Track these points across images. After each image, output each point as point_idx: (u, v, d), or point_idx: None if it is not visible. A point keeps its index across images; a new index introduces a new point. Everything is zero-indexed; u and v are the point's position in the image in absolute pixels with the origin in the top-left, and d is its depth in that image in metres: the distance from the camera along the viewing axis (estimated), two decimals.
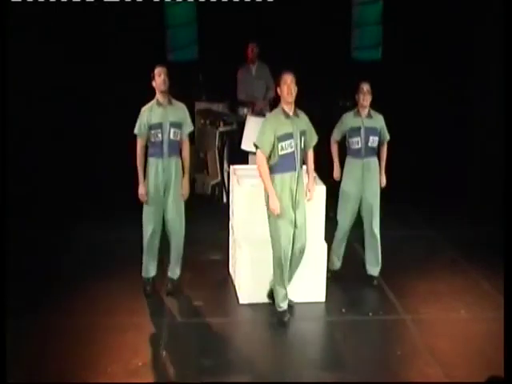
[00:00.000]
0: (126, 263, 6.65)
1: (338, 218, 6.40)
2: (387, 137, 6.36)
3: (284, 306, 5.71)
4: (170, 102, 5.96)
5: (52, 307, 5.85)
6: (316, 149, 5.86)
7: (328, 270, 6.26)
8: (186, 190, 6.04)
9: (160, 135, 5.89)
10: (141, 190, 5.97)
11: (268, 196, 5.49)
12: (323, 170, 6.30)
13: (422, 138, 9.44)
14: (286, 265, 5.61)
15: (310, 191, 5.74)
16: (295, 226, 5.61)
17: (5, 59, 5.58)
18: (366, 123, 6.21)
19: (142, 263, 6.18)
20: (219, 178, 8.84)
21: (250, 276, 5.99)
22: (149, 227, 6.05)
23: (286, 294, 5.70)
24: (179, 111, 5.99)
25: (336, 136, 6.36)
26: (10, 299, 5.21)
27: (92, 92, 9.26)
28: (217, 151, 8.76)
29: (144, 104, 5.97)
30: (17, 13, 7.34)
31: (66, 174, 8.75)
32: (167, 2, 9.98)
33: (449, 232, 7.83)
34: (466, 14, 8.84)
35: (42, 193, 8.27)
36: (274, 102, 6.75)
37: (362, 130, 6.19)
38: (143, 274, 6.18)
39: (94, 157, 9.22)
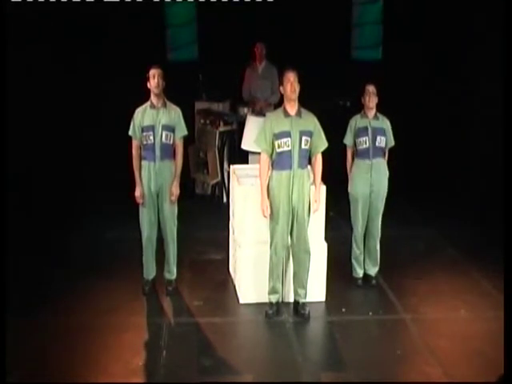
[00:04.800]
0: (126, 263, 6.67)
1: (353, 224, 6.40)
2: (392, 142, 6.33)
3: (272, 299, 5.82)
4: (164, 105, 5.93)
5: (52, 307, 5.85)
6: None
7: (354, 280, 6.44)
8: (175, 194, 5.98)
9: (152, 138, 5.87)
10: (137, 192, 5.97)
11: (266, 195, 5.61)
12: (324, 170, 6.29)
13: (422, 137, 9.44)
14: (276, 260, 5.72)
15: (316, 201, 5.73)
16: (293, 224, 5.64)
17: (4, 60, 5.58)
18: (373, 123, 6.20)
19: (142, 264, 6.19)
20: (219, 177, 8.84)
21: (250, 276, 6.00)
22: (145, 229, 6.07)
23: (275, 288, 5.80)
24: (172, 114, 5.93)
25: (348, 141, 6.31)
26: (10, 299, 5.21)
27: (92, 92, 9.25)
28: (217, 151, 8.76)
29: (142, 104, 5.98)
30: (16, 13, 7.34)
31: (65, 173, 8.75)
32: (167, 1, 9.99)
33: (449, 232, 7.82)
34: (466, 14, 8.83)
35: (42, 192, 8.26)
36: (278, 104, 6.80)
37: (370, 130, 6.18)
38: (144, 276, 6.20)
39: (94, 156, 9.22)
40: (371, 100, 6.15)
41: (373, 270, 6.49)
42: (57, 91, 8.82)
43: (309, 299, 5.91)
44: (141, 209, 6.04)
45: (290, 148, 5.52)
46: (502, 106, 5.86)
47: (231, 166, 6.93)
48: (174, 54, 10.38)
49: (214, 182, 8.92)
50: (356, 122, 6.26)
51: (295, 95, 5.54)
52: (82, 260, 6.91)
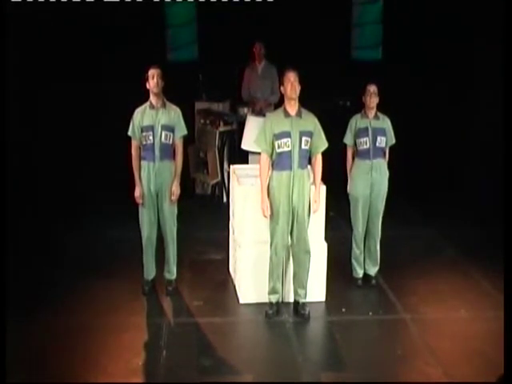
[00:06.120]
0: (126, 263, 6.67)
1: (353, 224, 6.39)
2: (393, 140, 6.33)
3: (272, 299, 5.82)
4: (163, 105, 5.92)
5: (52, 307, 5.85)
6: None
7: (354, 280, 6.44)
8: (175, 193, 5.97)
9: (151, 138, 5.86)
10: (136, 193, 5.96)
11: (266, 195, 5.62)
12: (324, 170, 6.29)
13: (422, 137, 9.43)
14: (276, 260, 5.72)
15: (315, 202, 5.73)
16: (293, 224, 5.64)
17: (4, 60, 5.59)
18: (373, 124, 6.20)
19: (142, 264, 6.19)
20: (219, 177, 8.84)
21: (250, 276, 6.00)
22: (144, 229, 6.06)
23: (275, 288, 5.80)
24: (172, 114, 5.92)
25: (348, 141, 6.30)
26: (10, 299, 5.21)
27: (91, 92, 9.25)
28: (217, 151, 8.76)
29: (142, 104, 5.97)
30: (16, 13, 7.34)
31: (65, 173, 8.75)
32: (167, 1, 9.99)
33: (449, 232, 7.82)
34: (466, 14, 8.83)
35: (42, 193, 8.27)
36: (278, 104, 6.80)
37: (370, 130, 6.17)
38: (144, 276, 6.20)
39: (94, 156, 9.22)
40: (372, 100, 6.15)
41: (373, 270, 6.49)
42: (56, 91, 8.82)
43: (309, 299, 5.91)
44: (140, 209, 6.04)
45: (290, 148, 5.52)
46: (502, 105, 5.86)
47: (231, 166, 6.93)
48: (174, 54, 10.37)
49: (214, 182, 8.91)
50: (356, 121, 6.26)
51: (295, 95, 5.54)
52: (82, 260, 6.91)
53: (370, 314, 5.93)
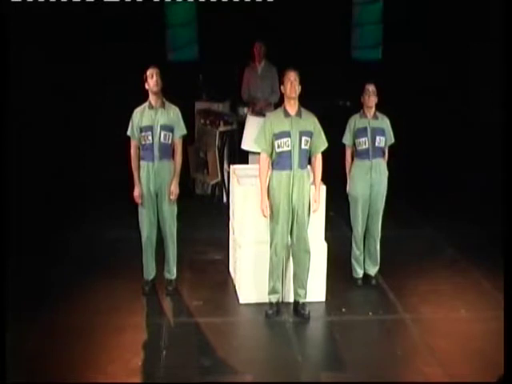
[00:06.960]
0: (126, 263, 6.66)
1: (352, 224, 6.39)
2: (392, 140, 6.33)
3: (272, 299, 5.82)
4: (162, 105, 5.92)
5: (52, 307, 5.85)
6: None
7: (354, 280, 6.44)
8: (174, 192, 5.97)
9: (150, 138, 5.86)
10: (136, 192, 5.96)
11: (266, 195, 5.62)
12: (324, 170, 6.29)
13: (422, 137, 9.44)
14: (276, 260, 5.72)
15: (315, 201, 5.73)
16: (293, 224, 5.64)
17: (4, 60, 5.58)
18: (372, 123, 6.19)
19: (142, 264, 6.19)
20: (219, 177, 8.84)
21: (250, 276, 6.00)
22: (144, 229, 6.06)
23: (275, 288, 5.80)
24: (171, 114, 5.93)
25: (347, 141, 6.30)
26: (10, 299, 5.20)
27: (92, 92, 9.26)
28: (217, 151, 8.76)
29: (142, 104, 5.97)
30: (17, 12, 7.34)
31: (66, 173, 8.75)
32: (167, 1, 10.00)
33: (449, 232, 7.82)
34: (466, 14, 8.84)
35: (42, 192, 8.26)
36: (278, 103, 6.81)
37: (369, 130, 6.17)
38: (143, 276, 6.19)
39: (94, 156, 9.23)
40: (371, 99, 6.15)
41: (373, 270, 6.49)
42: (57, 91, 8.82)
43: (309, 299, 5.91)
44: (140, 209, 6.04)
45: (289, 148, 5.53)
46: (502, 105, 5.86)
47: (231, 166, 6.93)
48: (174, 54, 10.38)
49: (214, 182, 8.91)
50: (355, 121, 6.25)
51: (295, 94, 5.54)
52: (82, 260, 6.90)
53: (370, 314, 5.93)
